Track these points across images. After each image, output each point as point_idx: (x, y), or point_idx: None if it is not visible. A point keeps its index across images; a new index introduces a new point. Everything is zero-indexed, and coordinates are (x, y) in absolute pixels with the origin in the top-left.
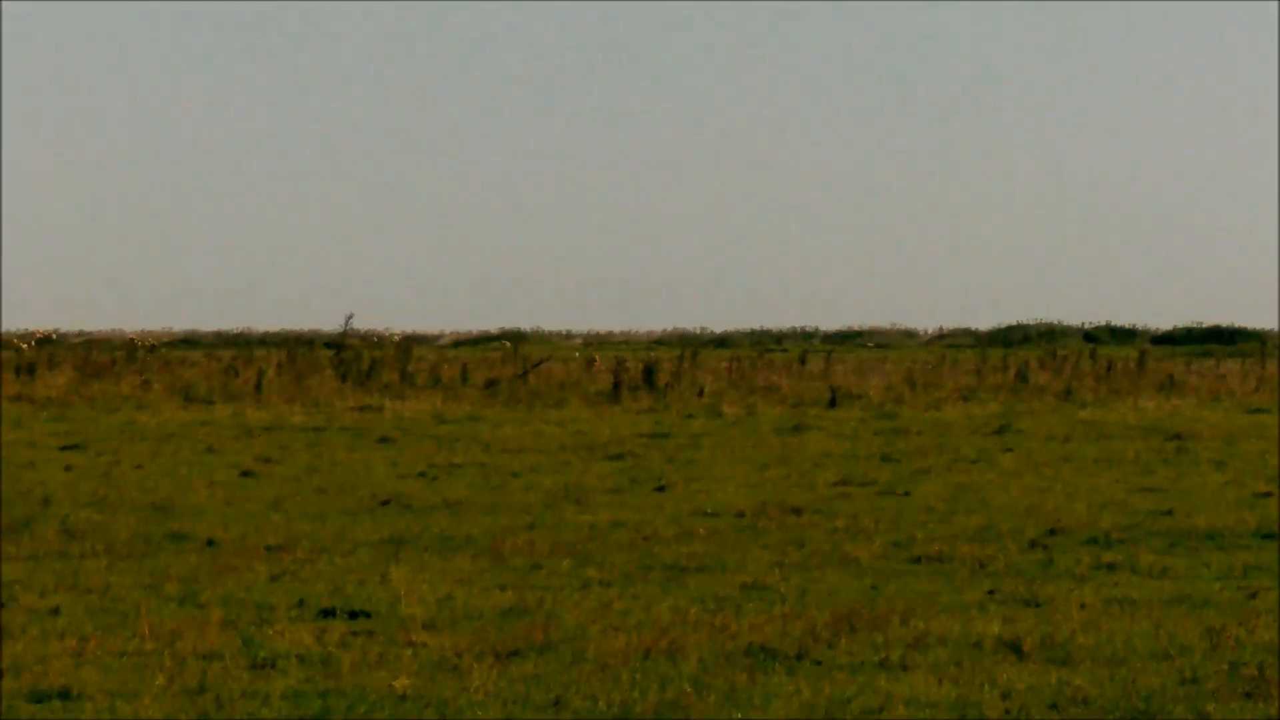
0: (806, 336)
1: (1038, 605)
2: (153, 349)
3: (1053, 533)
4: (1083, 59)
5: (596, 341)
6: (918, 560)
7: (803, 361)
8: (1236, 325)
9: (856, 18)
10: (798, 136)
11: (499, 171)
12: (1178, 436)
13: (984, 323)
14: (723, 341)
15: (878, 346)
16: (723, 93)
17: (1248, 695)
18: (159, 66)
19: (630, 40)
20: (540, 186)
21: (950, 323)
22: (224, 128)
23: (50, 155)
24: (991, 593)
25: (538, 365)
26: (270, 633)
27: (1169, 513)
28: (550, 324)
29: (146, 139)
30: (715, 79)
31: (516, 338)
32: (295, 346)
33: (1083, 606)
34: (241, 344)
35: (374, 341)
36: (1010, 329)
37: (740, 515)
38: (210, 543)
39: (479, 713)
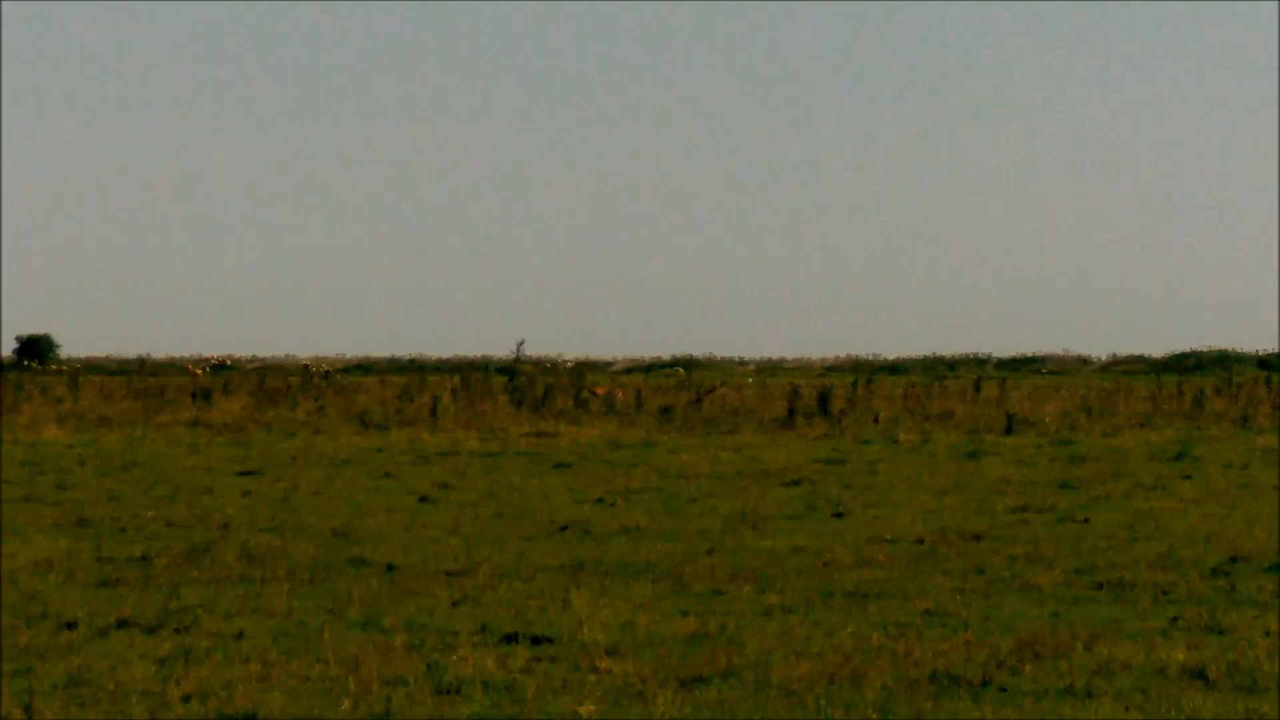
0: (979, 363)
1: (1221, 632)
2: (327, 375)
3: (1234, 560)
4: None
5: (769, 368)
6: (1099, 587)
7: (977, 388)
8: None
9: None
10: (972, 162)
11: (673, 200)
12: None
13: (1157, 349)
14: (896, 368)
15: (1051, 373)
16: (893, 118)
17: None
18: (324, 94)
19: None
20: (716, 215)
21: (1123, 349)
22: (397, 158)
23: (224, 184)
24: (1175, 620)
25: (711, 391)
26: (454, 658)
27: None
28: (723, 350)
29: (318, 167)
30: (883, 111)
31: (689, 364)
32: (468, 372)
33: (1267, 634)
34: (414, 370)
35: (547, 367)
36: (1183, 355)
37: (919, 542)
38: (390, 568)
39: None
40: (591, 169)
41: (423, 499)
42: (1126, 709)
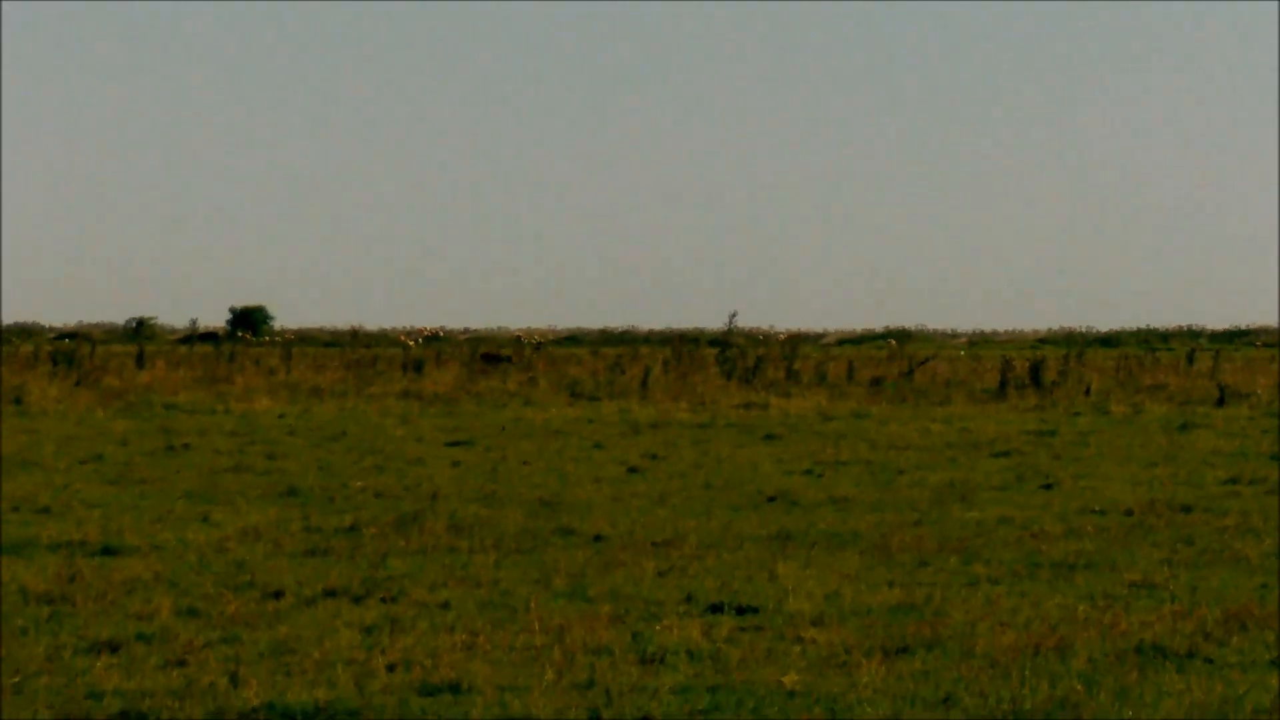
0: (1193, 335)
1: None
2: (539, 346)
3: None
4: None
5: (981, 340)
6: None
7: (1190, 360)
8: None
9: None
10: (1178, 133)
11: (888, 173)
12: None
13: None
14: (1108, 340)
15: (1265, 345)
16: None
17: None
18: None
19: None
20: (928, 187)
21: None
22: (610, 129)
23: (435, 156)
24: None
25: (923, 363)
26: (658, 628)
27: None
28: (934, 322)
29: (529, 138)
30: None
31: (901, 336)
32: (680, 344)
33: None
34: (626, 341)
35: (758, 339)
36: None
37: (1128, 513)
38: (598, 538)
39: (868, 709)
40: (804, 143)
41: (631, 470)
42: None
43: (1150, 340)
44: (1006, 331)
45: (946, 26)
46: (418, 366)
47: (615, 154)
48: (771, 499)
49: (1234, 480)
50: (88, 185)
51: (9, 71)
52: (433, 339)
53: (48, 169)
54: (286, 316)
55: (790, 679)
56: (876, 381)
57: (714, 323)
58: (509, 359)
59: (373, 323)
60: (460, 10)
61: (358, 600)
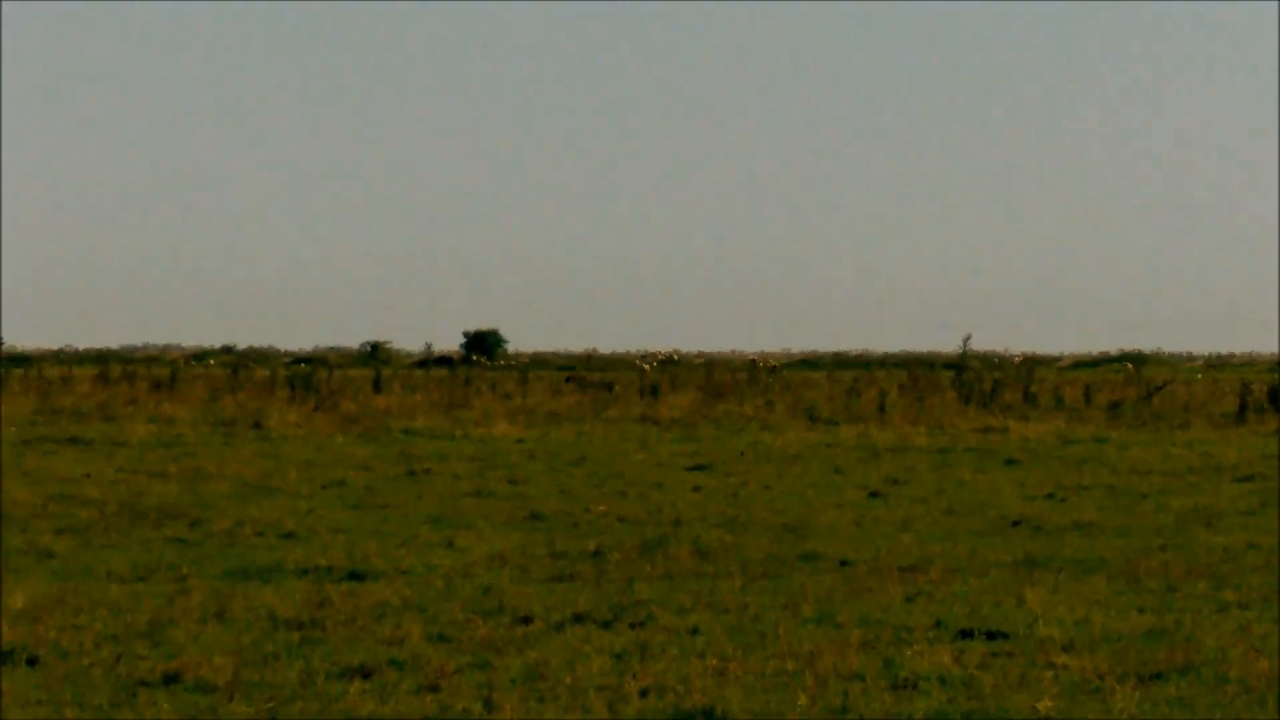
0: None
1: None
2: (774, 370)
3: None
4: None
5: (1217, 363)
6: None
7: None
8: None
9: None
10: None
11: (1114, 195)
12: None
13: None
14: None
15: None
16: None
17: None
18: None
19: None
20: (1163, 207)
21: None
22: (838, 152)
23: (675, 180)
24: None
25: (1162, 387)
26: (909, 653)
27: None
28: (1170, 345)
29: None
30: None
31: (1137, 359)
32: (915, 368)
33: None
34: (860, 365)
35: (993, 362)
36: None
37: None
38: (843, 563)
39: None
40: (1034, 165)
41: (873, 494)
42: None
43: None
44: (1242, 354)
45: None
46: (654, 391)
47: (847, 176)
48: (1015, 524)
49: None
50: (324, 211)
51: (265, 110)
52: (668, 363)
53: (286, 198)
54: (520, 340)
55: (1045, 705)
56: (1115, 405)
57: (947, 345)
58: (608, 385)
59: (606, 346)
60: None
61: (606, 625)
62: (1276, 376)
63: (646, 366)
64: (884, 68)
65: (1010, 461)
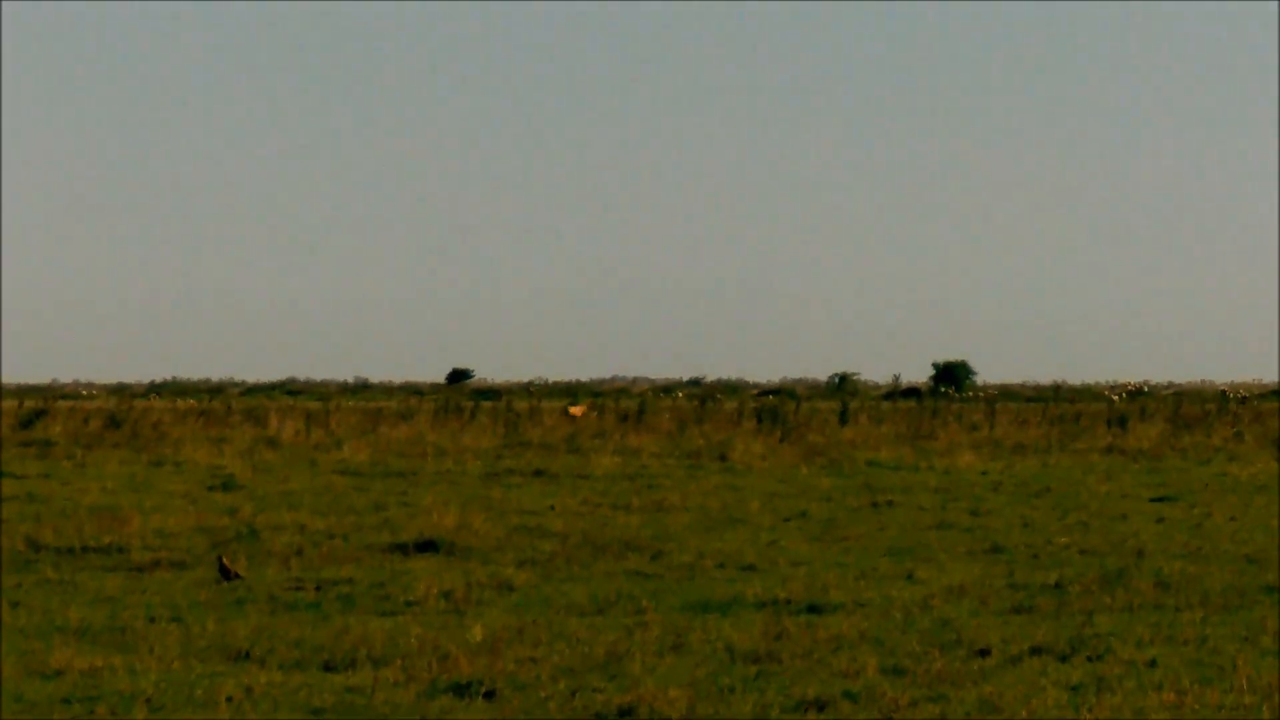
0: None
1: None
2: (1244, 400)
3: None
4: None
5: None
6: None
7: None
8: None
9: None
10: None
11: None
12: None
13: None
14: None
15: None
16: None
17: None
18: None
19: None
20: None
21: None
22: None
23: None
24: None
25: None
26: None
27: None
28: None
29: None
30: None
31: None
32: None
33: None
34: None
35: None
36: None
37: None
38: None
39: None
40: None
41: None
42: None
43: None
44: None
45: None
46: (1121, 422)
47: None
48: None
49: None
50: (796, 240)
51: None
52: (1136, 394)
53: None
54: (989, 372)
55: None
56: None
57: None
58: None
59: (1075, 377)
60: None
61: (1064, 659)
62: None
63: (1115, 398)
64: None
65: None
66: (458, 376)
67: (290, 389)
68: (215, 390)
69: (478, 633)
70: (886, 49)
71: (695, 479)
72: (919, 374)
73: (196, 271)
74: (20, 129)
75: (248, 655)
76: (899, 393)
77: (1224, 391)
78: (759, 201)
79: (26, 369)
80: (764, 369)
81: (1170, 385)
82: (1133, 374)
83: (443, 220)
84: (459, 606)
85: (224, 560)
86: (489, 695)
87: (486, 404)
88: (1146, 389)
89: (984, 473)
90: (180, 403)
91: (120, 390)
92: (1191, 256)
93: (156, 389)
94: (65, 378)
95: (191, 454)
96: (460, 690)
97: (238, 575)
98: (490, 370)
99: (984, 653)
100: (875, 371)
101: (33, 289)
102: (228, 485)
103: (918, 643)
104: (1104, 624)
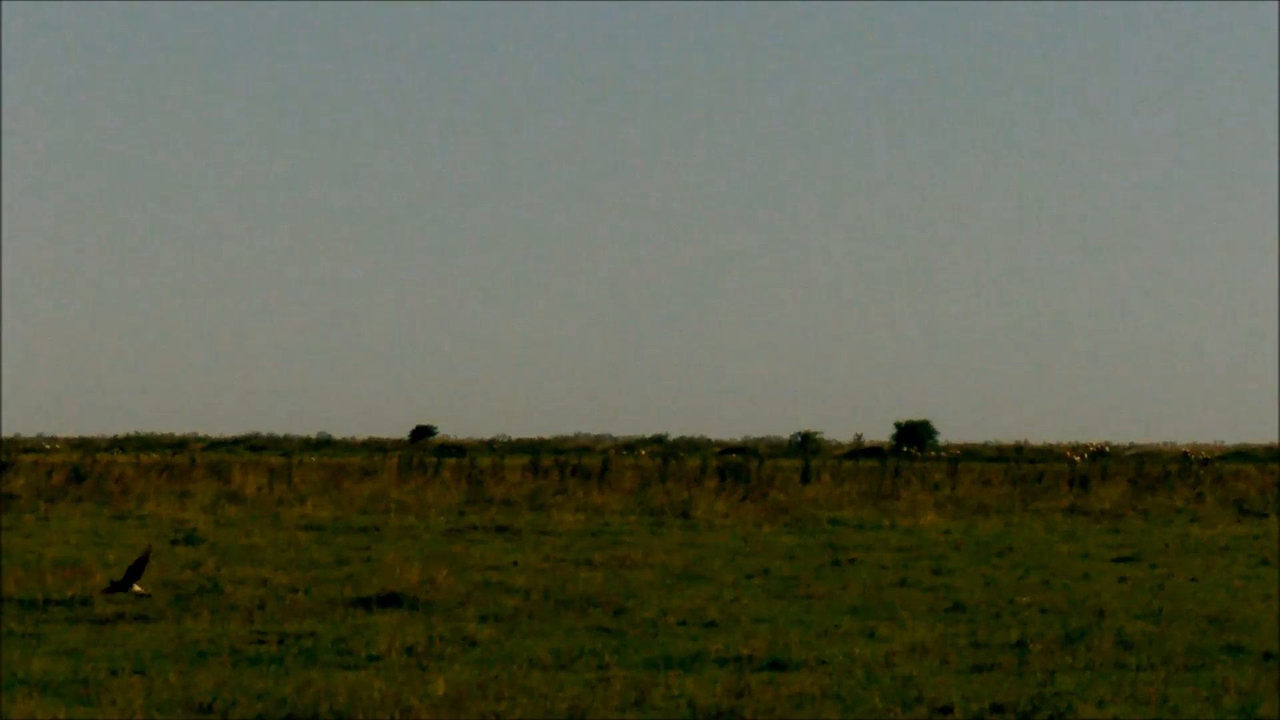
0: None
1: None
2: (1205, 462)
3: None
4: None
5: None
6: None
7: None
8: None
9: None
10: None
11: None
12: None
13: None
14: None
15: None
16: None
17: None
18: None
19: None
20: None
21: None
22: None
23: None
24: None
25: None
26: None
27: None
28: None
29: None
30: None
31: None
32: None
33: None
34: None
35: None
36: None
37: None
38: (1267, 655)
39: None
40: None
41: None
42: None
43: None
44: None
45: None
46: (1083, 482)
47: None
48: None
49: None
50: (751, 301)
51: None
52: (1099, 454)
53: (721, 282)
54: (951, 432)
55: None
56: None
57: None
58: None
59: (1037, 438)
60: None
61: (1025, 717)
62: None
63: (1077, 458)
64: None
65: None
66: (421, 433)
67: (254, 444)
68: (178, 445)
69: (440, 687)
70: (852, 105)
71: (658, 536)
72: (881, 433)
73: (160, 326)
74: None
75: (210, 708)
76: (861, 452)
77: (1186, 453)
78: (721, 260)
79: None
80: (727, 427)
81: (1132, 446)
82: (1094, 435)
83: (407, 277)
84: (421, 661)
85: (130, 572)
86: None
87: (450, 460)
88: (1108, 450)
89: (946, 532)
90: (144, 457)
91: (83, 444)
92: (1153, 319)
93: (119, 443)
94: (28, 431)
95: (154, 508)
96: None
97: (129, 588)
98: (454, 427)
99: (946, 710)
100: (838, 431)
101: None
102: (190, 539)
103: (880, 700)
104: (1066, 683)
